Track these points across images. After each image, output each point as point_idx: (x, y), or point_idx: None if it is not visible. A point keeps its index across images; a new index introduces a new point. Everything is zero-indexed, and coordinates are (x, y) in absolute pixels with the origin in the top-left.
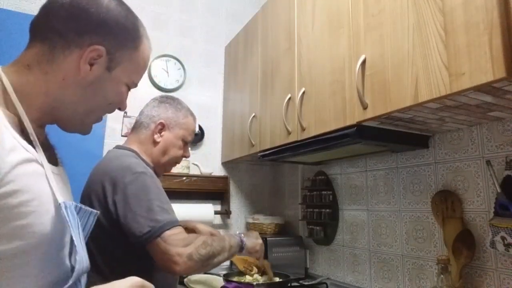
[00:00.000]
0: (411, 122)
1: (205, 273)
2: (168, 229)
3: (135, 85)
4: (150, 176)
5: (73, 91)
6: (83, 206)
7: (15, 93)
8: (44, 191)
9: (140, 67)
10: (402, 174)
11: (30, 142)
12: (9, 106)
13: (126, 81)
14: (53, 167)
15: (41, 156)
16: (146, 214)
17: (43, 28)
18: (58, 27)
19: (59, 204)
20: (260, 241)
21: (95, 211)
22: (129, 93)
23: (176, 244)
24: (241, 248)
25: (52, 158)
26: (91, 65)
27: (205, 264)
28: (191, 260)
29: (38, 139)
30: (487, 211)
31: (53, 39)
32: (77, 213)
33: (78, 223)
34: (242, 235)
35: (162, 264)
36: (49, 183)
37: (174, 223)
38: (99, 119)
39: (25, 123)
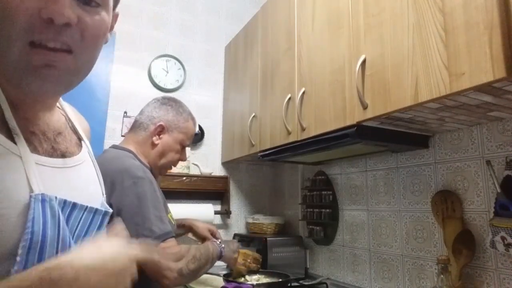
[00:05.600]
0: (411, 122)
1: (206, 273)
2: (162, 241)
3: None
4: (149, 181)
5: None
6: (81, 203)
7: None
8: (15, 189)
9: None
10: (402, 174)
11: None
12: None
13: None
14: (51, 159)
15: (21, 145)
16: (141, 222)
17: None
18: None
19: (30, 196)
20: (235, 255)
21: (104, 209)
22: (129, 93)
23: (168, 259)
24: (219, 257)
25: (58, 149)
26: None
27: (192, 278)
28: (181, 275)
29: (35, 126)
30: (487, 211)
31: None
32: (70, 210)
33: (59, 223)
34: (223, 245)
35: (151, 275)
36: (27, 176)
37: (169, 235)
38: (18, 53)
39: (2, 106)
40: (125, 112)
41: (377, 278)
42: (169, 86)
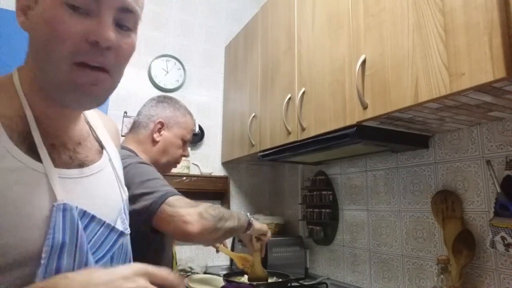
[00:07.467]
0: (411, 122)
1: (205, 272)
2: (171, 196)
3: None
4: (147, 164)
5: (30, 54)
6: (99, 217)
7: (24, 92)
8: (36, 202)
9: None
10: (402, 174)
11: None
12: (20, 108)
13: (59, 0)
14: (67, 170)
15: (45, 160)
16: (147, 190)
17: None
18: None
19: (53, 205)
20: (266, 225)
21: (121, 229)
22: (129, 93)
23: (184, 206)
24: (249, 224)
25: (77, 158)
26: (26, 13)
27: (218, 224)
28: (202, 218)
29: (56, 138)
30: (487, 211)
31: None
32: (88, 222)
33: (78, 232)
34: (248, 214)
35: (175, 229)
36: (50, 189)
37: (176, 193)
38: (66, 71)
39: (30, 124)
40: (125, 112)
41: (377, 278)
42: (169, 86)
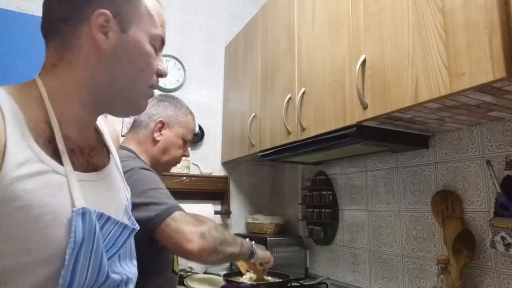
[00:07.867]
0: (411, 122)
1: (205, 272)
2: (176, 210)
3: (159, 41)
4: (148, 170)
5: (101, 69)
6: (114, 217)
7: (49, 98)
8: (60, 204)
9: (152, 17)
10: (402, 174)
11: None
12: (44, 114)
13: (147, 38)
14: (85, 174)
15: (66, 165)
16: (151, 200)
17: (48, 24)
18: (58, 15)
19: (73, 211)
20: (269, 253)
21: (131, 226)
22: None
23: (188, 223)
24: (251, 253)
25: (92, 163)
26: (105, 33)
27: (219, 248)
28: (203, 238)
29: (75, 143)
30: (487, 211)
31: (60, 28)
32: (104, 223)
33: (95, 234)
34: (253, 242)
35: (175, 244)
36: (70, 193)
37: (180, 207)
38: (145, 93)
39: (54, 130)
40: None
41: (377, 278)
42: (169, 86)
